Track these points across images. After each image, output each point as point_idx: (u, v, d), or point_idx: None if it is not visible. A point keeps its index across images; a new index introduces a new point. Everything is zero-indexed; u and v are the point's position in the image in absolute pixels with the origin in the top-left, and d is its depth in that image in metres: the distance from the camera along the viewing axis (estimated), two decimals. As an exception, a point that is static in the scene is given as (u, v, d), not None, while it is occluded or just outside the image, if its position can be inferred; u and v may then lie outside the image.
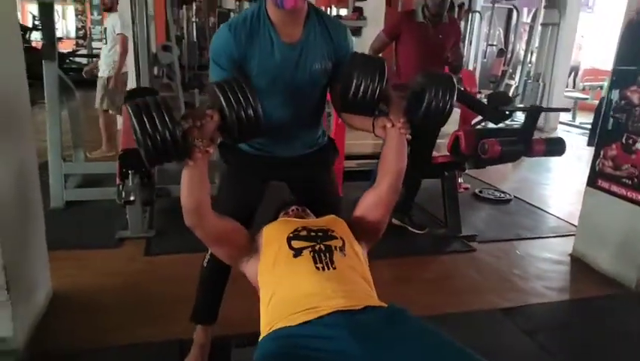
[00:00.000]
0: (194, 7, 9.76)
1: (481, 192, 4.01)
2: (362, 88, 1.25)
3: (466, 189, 4.04)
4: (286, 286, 1.18)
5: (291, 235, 1.28)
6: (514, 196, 3.98)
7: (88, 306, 2.13)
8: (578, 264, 2.82)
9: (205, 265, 1.70)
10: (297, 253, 1.22)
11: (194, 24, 9.68)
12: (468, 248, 2.95)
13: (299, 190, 1.71)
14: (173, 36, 6.18)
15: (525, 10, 8.23)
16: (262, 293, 1.24)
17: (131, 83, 5.49)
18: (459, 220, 3.11)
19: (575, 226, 3.16)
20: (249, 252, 1.34)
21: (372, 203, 1.38)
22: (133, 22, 5.28)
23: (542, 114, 7.07)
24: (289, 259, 1.21)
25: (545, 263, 2.84)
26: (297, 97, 1.49)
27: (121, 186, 2.65)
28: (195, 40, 9.52)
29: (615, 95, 2.58)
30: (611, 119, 2.62)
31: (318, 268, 1.17)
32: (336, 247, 1.24)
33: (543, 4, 6.89)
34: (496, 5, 7.60)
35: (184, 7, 9.52)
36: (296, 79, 1.45)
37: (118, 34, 4.40)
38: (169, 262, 2.57)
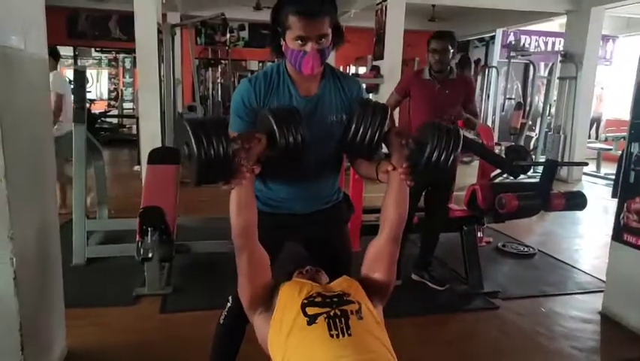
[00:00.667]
0: (220, 69, 10.24)
1: (504, 246, 3.91)
2: (361, 131, 1.30)
3: (488, 243, 3.96)
4: (299, 358, 1.16)
5: (306, 301, 1.26)
6: (539, 250, 3.86)
7: (102, 366, 2.12)
8: (608, 322, 2.68)
9: (221, 321, 1.70)
10: (312, 320, 1.20)
11: (220, 85, 10.11)
12: (490, 305, 2.84)
13: (314, 247, 1.71)
14: (198, 97, 6.47)
15: (542, 64, 8.34)
16: None
17: (156, 142, 5.73)
18: (480, 276, 3.02)
19: (603, 281, 3.04)
20: (265, 303, 1.34)
21: (374, 255, 1.39)
22: (160, 85, 5.62)
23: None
24: (304, 327, 1.19)
25: (573, 322, 2.71)
26: (314, 148, 1.50)
27: (140, 243, 2.70)
28: (220, 99, 9.92)
29: (635, 147, 2.55)
30: (633, 173, 2.57)
31: (332, 335, 1.14)
32: (352, 311, 1.21)
33: (559, 58, 6.98)
34: (512, 61, 7.73)
35: (210, 69, 10.01)
36: (313, 130, 1.47)
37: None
38: (184, 320, 2.55)
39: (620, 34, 9.20)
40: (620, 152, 7.22)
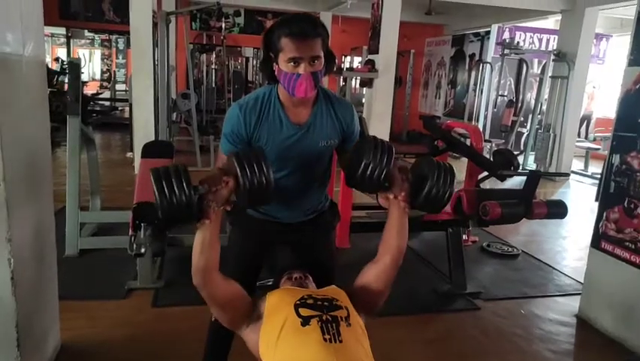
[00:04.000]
0: (214, 54, 10.18)
1: (488, 245, 4.02)
2: (370, 169, 1.37)
3: (473, 242, 4.06)
4: (293, 358, 1.22)
5: (299, 302, 1.34)
6: (522, 251, 3.97)
7: (95, 360, 2.18)
8: (584, 326, 2.79)
9: (213, 319, 1.75)
10: (306, 321, 1.27)
11: (214, 71, 10.06)
12: (472, 306, 2.94)
13: (299, 252, 1.78)
14: (192, 85, 6.45)
15: (535, 61, 8.39)
16: None
17: (150, 129, 5.74)
18: (464, 277, 3.12)
19: (579, 281, 3.17)
20: (250, 319, 1.40)
21: (372, 277, 1.46)
22: (155, 72, 5.60)
23: (554, 162, 7.18)
24: (297, 328, 1.26)
25: (550, 324, 2.82)
26: (303, 170, 1.61)
27: (133, 238, 2.75)
28: (214, 86, 9.87)
29: (616, 159, 2.64)
30: (613, 183, 2.66)
31: (325, 339, 1.22)
32: (342, 318, 1.30)
33: (552, 57, 7.03)
34: (505, 57, 7.77)
35: (204, 54, 9.95)
36: (302, 155, 1.57)
37: None
38: (176, 314, 2.62)
39: (614, 34, 9.26)
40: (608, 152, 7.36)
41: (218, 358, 1.83)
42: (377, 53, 6.23)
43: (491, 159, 3.48)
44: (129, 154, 6.56)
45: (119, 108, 11.09)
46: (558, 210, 2.65)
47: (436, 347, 2.49)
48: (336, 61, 1.54)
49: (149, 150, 3.24)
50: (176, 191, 1.20)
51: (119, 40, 13.66)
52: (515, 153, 4.18)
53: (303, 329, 1.25)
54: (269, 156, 1.51)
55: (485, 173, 3.56)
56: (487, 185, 4.10)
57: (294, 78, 1.41)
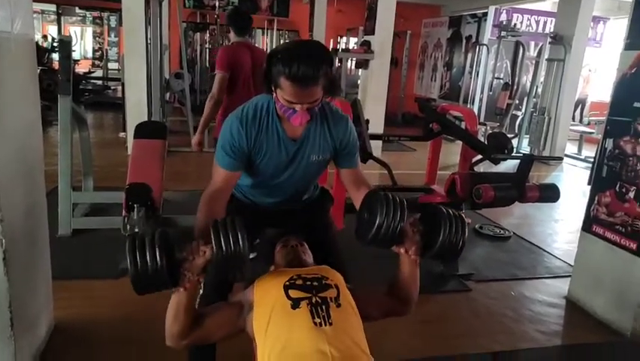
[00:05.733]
0: (208, 33, 10.03)
1: (481, 228, 4.05)
2: (382, 230, 1.35)
3: (467, 224, 4.08)
4: (284, 341, 1.22)
5: (287, 283, 1.34)
6: (514, 233, 4.01)
7: (88, 339, 2.20)
8: (573, 308, 2.84)
9: (197, 307, 1.77)
10: (295, 303, 1.27)
11: (208, 50, 9.93)
12: (464, 288, 2.98)
13: (295, 229, 1.79)
14: (185, 64, 6.36)
15: (532, 43, 8.34)
16: (259, 351, 1.28)
17: (143, 109, 5.68)
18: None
19: (568, 263, 3.21)
20: (241, 318, 1.39)
21: (376, 306, 1.48)
22: (147, 52, 5.52)
23: (548, 146, 7.20)
24: (287, 310, 1.26)
25: (540, 305, 2.86)
26: (294, 179, 1.65)
27: (126, 219, 2.75)
28: (208, 65, 9.75)
29: (609, 143, 2.64)
30: (605, 167, 2.67)
31: (316, 323, 1.23)
32: (331, 298, 1.30)
33: (548, 40, 6.99)
34: (502, 39, 7.71)
35: (198, 33, 9.79)
36: (295, 168, 1.60)
37: None
38: (170, 294, 2.62)
39: (612, 16, 9.20)
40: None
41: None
42: (373, 34, 6.17)
43: (486, 142, 3.49)
44: (122, 134, 6.51)
45: (112, 87, 10.96)
46: (550, 193, 2.67)
47: (428, 327, 2.52)
48: (339, 86, 1.51)
49: (142, 131, 3.21)
50: (149, 262, 1.19)
51: (111, 17, 13.41)
52: (510, 136, 4.18)
53: (293, 312, 1.26)
54: (265, 167, 1.58)
55: (479, 156, 3.57)
56: (480, 168, 4.11)
57: (290, 112, 1.42)
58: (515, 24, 7.91)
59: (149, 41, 5.49)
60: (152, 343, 2.17)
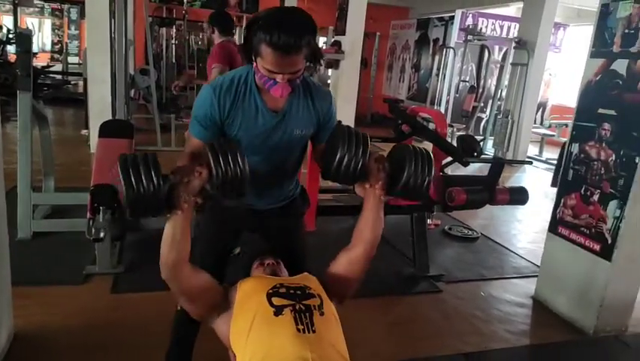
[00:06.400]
0: (175, 29, 9.79)
1: (450, 229, 4.11)
2: (345, 161, 1.32)
3: (436, 225, 4.14)
4: (266, 348, 1.19)
5: (271, 290, 1.31)
6: (482, 234, 4.09)
7: (50, 348, 2.09)
8: (539, 307, 2.92)
9: (178, 308, 1.69)
10: (279, 311, 1.24)
11: (174, 46, 9.69)
12: (434, 289, 3.02)
13: (270, 239, 1.76)
14: (151, 60, 6.18)
15: (496, 47, 8.56)
16: (238, 358, 1.24)
17: (106, 106, 5.49)
18: (427, 260, 3.18)
19: (537, 265, 3.30)
20: (220, 309, 1.36)
21: (344, 266, 1.45)
22: (112, 46, 5.33)
23: (511, 148, 7.41)
24: (270, 317, 1.23)
25: (508, 305, 2.93)
26: (275, 156, 1.56)
27: (91, 222, 2.64)
28: (174, 61, 9.53)
29: (575, 148, 2.73)
30: (571, 171, 2.75)
31: (299, 329, 1.20)
32: (315, 306, 1.28)
33: (513, 44, 7.18)
34: (468, 43, 7.88)
35: (164, 28, 9.55)
36: (276, 141, 1.51)
37: None
38: (137, 300, 2.54)
39: (571, 23, 9.55)
40: (564, 139, 7.66)
41: (184, 348, 1.79)
42: (344, 34, 6.17)
43: (455, 144, 3.54)
44: (84, 131, 6.27)
45: (72, 82, 10.55)
46: (520, 196, 2.74)
47: (398, 329, 2.53)
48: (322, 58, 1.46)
49: (107, 129, 3.10)
50: (144, 181, 1.13)
51: (71, 9, 12.93)
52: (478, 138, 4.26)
53: (276, 318, 1.23)
54: (240, 140, 1.47)
55: (449, 158, 3.62)
56: (448, 170, 4.18)
57: (271, 83, 1.36)
58: (481, 28, 8.09)
59: (113, 36, 5.30)
60: (116, 351, 2.11)
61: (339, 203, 4.03)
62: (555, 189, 3.17)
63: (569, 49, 9.85)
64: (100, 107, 5.38)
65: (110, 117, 5.39)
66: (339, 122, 1.50)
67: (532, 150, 8.09)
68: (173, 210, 1.23)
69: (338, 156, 1.32)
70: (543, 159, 7.82)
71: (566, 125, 7.66)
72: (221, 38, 3.39)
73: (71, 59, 11.64)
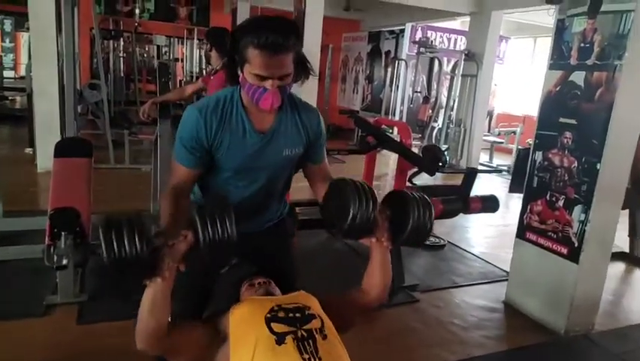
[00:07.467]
0: (122, 41, 9.47)
1: (417, 237, 4.16)
2: (358, 219, 1.28)
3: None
4: None
5: (269, 315, 1.24)
6: (448, 241, 4.18)
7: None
8: (511, 311, 2.99)
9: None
10: (280, 339, 1.18)
11: (122, 59, 9.37)
12: (412, 299, 3.03)
13: (260, 261, 1.69)
14: (102, 74, 5.92)
15: (445, 59, 8.87)
16: None
17: (54, 122, 5.18)
18: (402, 270, 3.20)
19: (502, 269, 3.43)
20: (214, 346, 1.27)
21: (354, 303, 1.44)
22: (59, 60, 5.04)
23: (464, 155, 7.67)
24: (272, 347, 1.17)
25: (482, 311, 2.99)
26: (263, 178, 1.51)
27: (52, 248, 2.45)
28: (123, 75, 9.19)
29: (539, 156, 2.84)
30: (536, 178, 2.86)
31: (304, 359, 1.15)
32: (316, 330, 1.23)
33: (463, 57, 7.47)
34: (420, 55, 8.12)
35: (111, 41, 9.21)
36: (264, 164, 1.47)
37: None
38: (106, 331, 2.37)
39: (512, 36, 10.07)
40: (513, 145, 8.03)
41: None
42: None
43: (421, 154, 3.61)
44: (28, 150, 5.89)
45: (9, 98, 9.92)
46: (491, 204, 2.81)
47: (386, 343, 2.52)
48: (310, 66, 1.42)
49: (64, 148, 2.91)
50: (127, 245, 1.05)
51: (5, 21, 12.21)
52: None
53: (279, 348, 1.17)
54: (228, 163, 1.44)
55: (416, 169, 3.68)
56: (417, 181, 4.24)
57: (260, 92, 1.31)
58: (432, 41, 8.36)
59: (60, 49, 5.02)
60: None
61: (310, 217, 3.99)
62: (512, 195, 3.30)
63: (511, 60, 10.37)
64: (47, 123, 5.09)
65: (59, 134, 5.11)
66: (343, 178, 1.44)
67: (483, 157, 8.42)
68: (154, 278, 1.14)
69: (351, 214, 1.29)
70: (494, 165, 8.16)
71: (514, 133, 8.04)
72: (221, 59, 3.26)
73: (7, 73, 10.96)
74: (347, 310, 1.42)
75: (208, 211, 1.16)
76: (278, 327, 1.21)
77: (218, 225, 1.14)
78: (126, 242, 1.05)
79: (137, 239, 1.06)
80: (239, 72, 1.34)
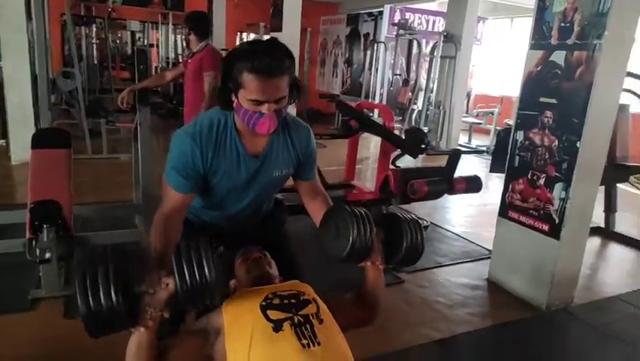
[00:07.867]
0: (95, 27, 9.19)
1: (401, 219, 4.20)
2: (357, 245, 1.33)
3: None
4: None
5: (264, 303, 1.24)
6: (431, 222, 4.23)
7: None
8: (494, 288, 3.07)
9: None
10: (278, 326, 1.18)
11: (94, 45, 9.11)
12: (397, 280, 3.07)
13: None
14: (76, 61, 5.76)
15: (424, 41, 8.87)
16: None
17: (27, 112, 5.04)
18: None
19: (485, 248, 3.48)
20: (205, 345, 1.25)
21: (350, 317, 1.45)
22: (31, 50, 4.89)
23: (444, 137, 7.74)
24: (269, 334, 1.17)
25: (466, 289, 3.05)
26: (255, 195, 1.55)
27: (33, 242, 2.40)
28: (96, 62, 8.95)
29: (520, 135, 2.89)
30: (517, 157, 2.91)
31: (303, 345, 1.15)
32: (312, 315, 1.24)
33: (442, 38, 7.49)
34: (399, 37, 8.10)
35: (82, 27, 8.94)
36: (257, 186, 1.50)
37: None
38: (93, 322, 2.35)
39: (489, 17, 10.12)
40: (491, 126, 8.13)
41: None
42: (280, 30, 6.08)
43: (403, 137, 3.64)
44: (1, 142, 5.72)
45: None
46: (475, 185, 2.86)
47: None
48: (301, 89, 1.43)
49: (41, 139, 2.83)
50: (102, 298, 1.01)
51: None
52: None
53: (277, 335, 1.17)
54: (222, 185, 1.45)
55: (399, 151, 3.71)
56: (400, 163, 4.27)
57: (256, 117, 1.31)
58: (411, 23, 8.35)
59: (31, 37, 4.86)
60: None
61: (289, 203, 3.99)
62: (492, 175, 3.37)
63: (489, 41, 10.44)
64: (20, 113, 4.96)
65: (33, 125, 4.98)
66: (339, 204, 1.49)
67: (462, 139, 8.52)
68: (137, 327, 1.13)
69: (350, 241, 1.33)
70: (473, 146, 8.26)
71: (492, 114, 8.14)
72: (200, 42, 3.30)
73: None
74: (341, 318, 1.41)
75: (186, 261, 1.13)
76: (274, 314, 1.22)
77: (197, 275, 1.12)
78: (102, 296, 1.01)
79: (112, 290, 1.02)
80: (232, 98, 1.33)
